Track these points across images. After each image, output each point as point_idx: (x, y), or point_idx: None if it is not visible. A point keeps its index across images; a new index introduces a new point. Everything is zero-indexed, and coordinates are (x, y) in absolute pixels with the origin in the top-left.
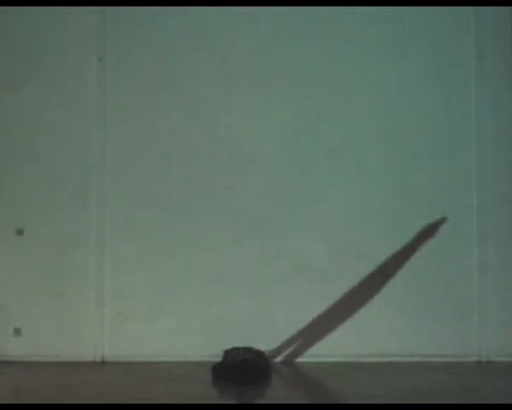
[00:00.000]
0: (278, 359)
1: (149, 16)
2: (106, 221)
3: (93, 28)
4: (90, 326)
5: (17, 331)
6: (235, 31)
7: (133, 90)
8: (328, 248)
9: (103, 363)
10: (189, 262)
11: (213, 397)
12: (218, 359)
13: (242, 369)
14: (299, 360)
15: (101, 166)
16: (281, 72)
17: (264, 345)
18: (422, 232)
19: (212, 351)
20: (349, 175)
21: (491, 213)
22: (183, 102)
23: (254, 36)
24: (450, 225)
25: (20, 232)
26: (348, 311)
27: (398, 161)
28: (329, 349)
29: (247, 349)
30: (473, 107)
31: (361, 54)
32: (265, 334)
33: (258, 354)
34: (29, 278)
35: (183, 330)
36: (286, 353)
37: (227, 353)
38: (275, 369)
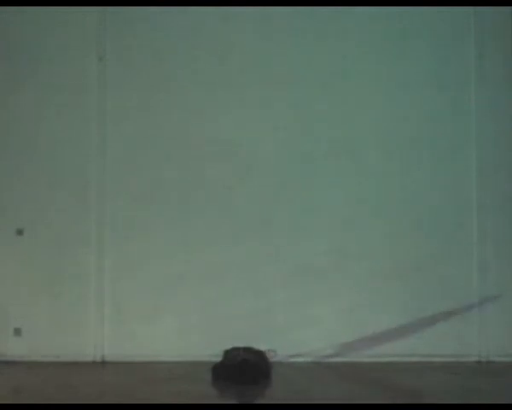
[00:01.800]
0: (278, 359)
1: (149, 16)
2: (106, 221)
3: (93, 28)
4: (90, 326)
5: (17, 331)
6: (235, 31)
7: (133, 90)
8: (328, 249)
9: (103, 363)
10: (189, 262)
11: (213, 397)
12: (218, 359)
13: (242, 369)
14: (299, 360)
15: (101, 166)
16: (281, 72)
17: (264, 345)
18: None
19: (212, 351)
20: (349, 175)
21: (491, 213)
22: (183, 103)
23: (254, 36)
24: (450, 225)
25: (20, 232)
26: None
27: (398, 161)
28: (329, 349)
29: (247, 349)
30: (473, 107)
31: (361, 54)
32: (265, 334)
33: (258, 354)
34: (29, 278)
35: (183, 330)
36: (285, 353)
37: (227, 353)
38: (275, 369)
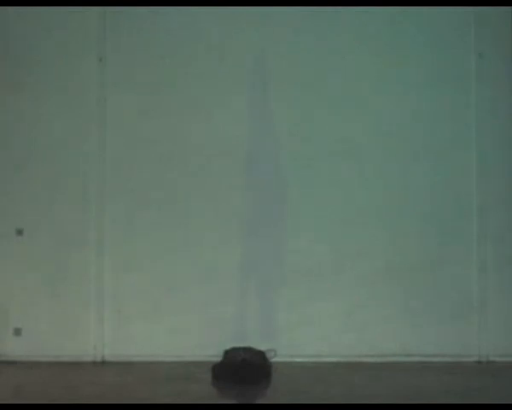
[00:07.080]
0: (278, 358)
1: (149, 16)
2: (106, 221)
3: (93, 28)
4: (89, 326)
5: (17, 331)
6: (235, 30)
7: (133, 91)
8: (328, 249)
9: (103, 363)
10: (188, 262)
11: (213, 397)
12: (218, 359)
13: (242, 369)
14: (299, 360)
15: (101, 167)
16: (281, 72)
17: (264, 345)
18: None
19: (212, 351)
20: (349, 175)
21: (491, 213)
22: (183, 102)
23: (254, 36)
24: (450, 225)
25: (20, 232)
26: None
27: (397, 161)
28: (329, 349)
29: (247, 349)
30: (473, 107)
31: (361, 54)
32: (265, 334)
33: (258, 354)
34: (29, 278)
35: (183, 330)
36: (286, 352)
37: (227, 353)
38: (275, 369)
